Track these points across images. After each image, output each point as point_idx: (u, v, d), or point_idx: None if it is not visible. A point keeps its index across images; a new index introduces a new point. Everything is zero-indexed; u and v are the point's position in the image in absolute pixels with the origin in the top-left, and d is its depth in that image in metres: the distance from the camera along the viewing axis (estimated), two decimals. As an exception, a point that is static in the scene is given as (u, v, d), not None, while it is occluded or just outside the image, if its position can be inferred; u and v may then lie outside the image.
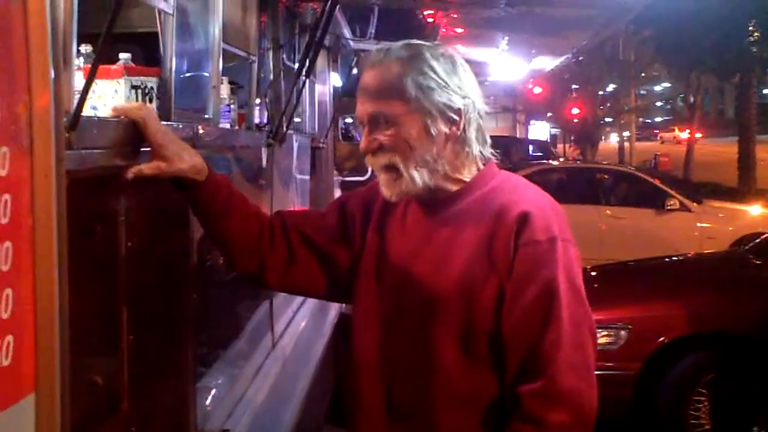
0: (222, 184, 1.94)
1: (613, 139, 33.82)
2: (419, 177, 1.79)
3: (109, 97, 2.03)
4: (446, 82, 1.78)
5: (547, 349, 1.70)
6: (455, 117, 1.79)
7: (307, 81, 4.83)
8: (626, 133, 37.42)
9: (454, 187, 1.86)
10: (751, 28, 20.70)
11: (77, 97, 1.49)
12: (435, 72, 1.78)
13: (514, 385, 1.72)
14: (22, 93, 1.11)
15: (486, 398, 1.78)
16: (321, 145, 5.92)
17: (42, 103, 1.14)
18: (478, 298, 1.75)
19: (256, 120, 3.66)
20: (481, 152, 1.86)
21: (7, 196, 1.08)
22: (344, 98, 6.46)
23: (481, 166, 1.89)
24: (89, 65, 1.97)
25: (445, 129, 1.78)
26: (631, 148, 36.20)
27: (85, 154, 1.49)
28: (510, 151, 22.39)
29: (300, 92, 3.92)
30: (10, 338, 1.10)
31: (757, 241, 6.95)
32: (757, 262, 6.36)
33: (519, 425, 1.70)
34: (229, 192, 1.95)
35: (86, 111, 1.97)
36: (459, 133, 1.80)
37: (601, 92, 35.96)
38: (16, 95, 1.10)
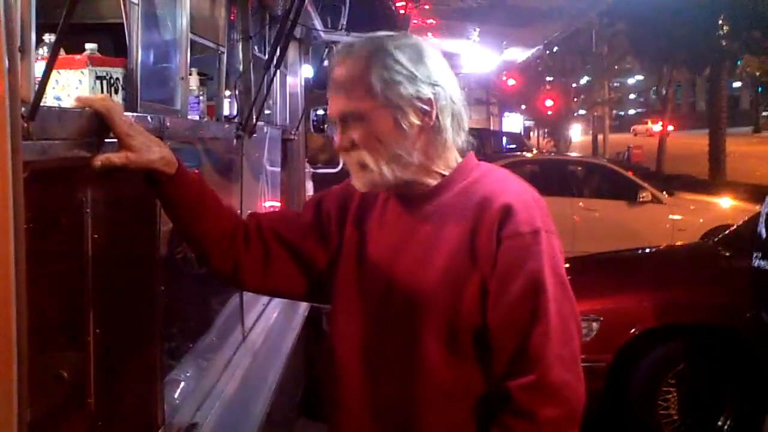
0: (193, 179, 1.88)
1: (579, 134, 33.90)
2: (389, 172, 1.77)
3: (73, 87, 2.00)
4: (413, 73, 1.74)
5: (537, 343, 1.67)
6: (426, 107, 1.75)
7: (278, 73, 4.80)
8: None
9: (432, 181, 1.83)
10: (720, 21, 20.91)
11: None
12: (400, 64, 1.74)
13: (502, 380, 1.69)
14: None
15: (471, 394, 1.76)
16: (292, 137, 5.89)
17: (-4, 92, 1.12)
18: (462, 294, 1.72)
19: (226, 112, 3.63)
20: (456, 140, 1.83)
21: (-41, 188, 1.06)
22: (315, 90, 6.43)
23: (459, 158, 1.86)
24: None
25: (416, 121, 1.75)
26: (605, 140, 36.41)
27: (47, 144, 1.46)
28: (483, 143, 22.37)
29: (270, 84, 3.89)
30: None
31: (726, 233, 7.01)
32: (726, 253, 6.42)
33: (509, 420, 1.67)
34: (201, 188, 1.90)
35: (50, 102, 1.97)
36: (432, 122, 1.77)
37: (574, 84, 36.16)
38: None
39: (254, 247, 1.95)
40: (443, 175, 1.84)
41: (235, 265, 1.95)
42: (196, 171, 1.96)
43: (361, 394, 1.83)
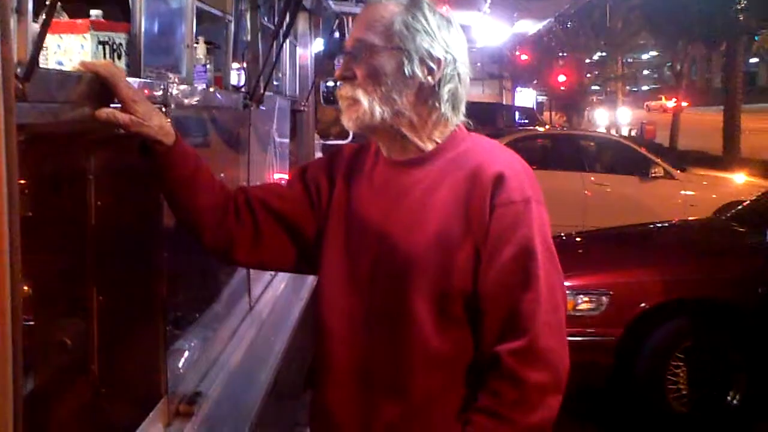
0: (189, 152, 1.89)
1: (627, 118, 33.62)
2: (379, 112, 1.79)
3: (75, 52, 1.98)
4: (434, 32, 1.80)
5: (527, 309, 1.70)
6: (432, 65, 1.79)
7: (288, 43, 4.77)
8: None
9: (427, 146, 1.85)
10: (738, -4, 20.66)
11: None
12: (427, 20, 1.80)
13: (491, 345, 1.72)
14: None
15: (461, 361, 1.78)
16: (302, 108, 5.87)
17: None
18: (453, 259, 1.74)
19: (234, 81, 3.61)
20: (450, 118, 1.85)
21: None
22: (326, 61, 6.39)
23: (452, 130, 1.88)
24: (56, 19, 1.94)
25: (419, 73, 1.78)
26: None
27: (44, 107, 1.44)
28: (496, 118, 22.30)
29: (278, 53, 3.85)
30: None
31: (739, 208, 6.97)
32: (739, 229, 6.38)
33: (498, 384, 1.70)
34: (196, 162, 1.90)
35: (52, 66, 1.95)
36: (433, 83, 1.80)
37: (588, 60, 35.90)
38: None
39: (244, 221, 1.96)
40: (436, 143, 1.86)
41: (227, 239, 1.95)
42: (193, 147, 1.93)
43: (349, 358, 1.84)
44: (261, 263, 2.15)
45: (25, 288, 1.90)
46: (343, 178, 1.95)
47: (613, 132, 29.30)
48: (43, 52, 1.63)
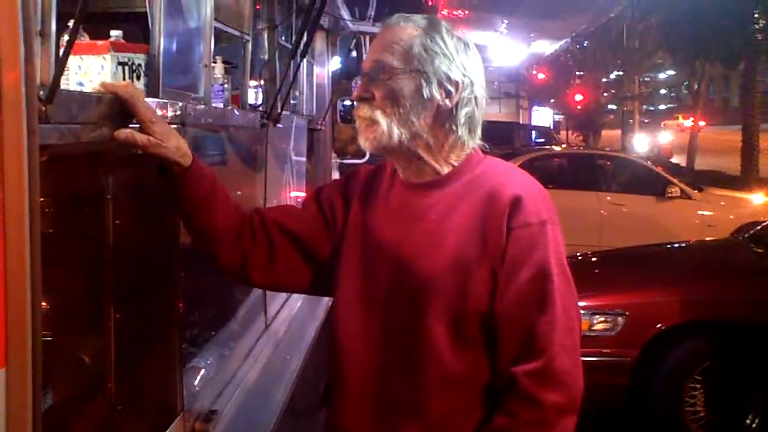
0: (206, 173, 1.91)
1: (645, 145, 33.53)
2: (397, 134, 1.80)
3: (95, 73, 2.01)
4: (452, 55, 1.81)
5: (543, 330, 1.71)
6: (450, 88, 1.81)
7: (305, 63, 4.79)
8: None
9: (443, 169, 1.86)
10: (756, 15, 20.60)
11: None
12: (445, 43, 1.82)
13: (507, 366, 1.73)
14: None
15: (477, 381, 1.79)
16: (319, 127, 5.89)
17: (12, 76, 1.12)
18: (470, 281, 1.75)
19: (251, 101, 3.63)
20: (466, 141, 1.86)
21: (-28, 171, 1.06)
22: (343, 80, 6.43)
23: (469, 152, 1.90)
24: (78, 41, 1.96)
25: (437, 95, 1.80)
26: (635, 136, 36.06)
27: (65, 128, 1.46)
28: (512, 137, 22.29)
29: (296, 72, 3.88)
30: (-23, 313, 1.09)
31: (758, 228, 6.93)
32: (758, 250, 6.34)
33: (514, 405, 1.70)
34: (213, 183, 1.92)
35: (72, 87, 1.98)
36: (450, 106, 1.81)
37: (604, 79, 35.86)
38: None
39: (260, 242, 1.97)
40: (452, 166, 1.87)
41: (242, 260, 1.97)
42: (210, 167, 1.95)
43: (365, 378, 1.85)
44: (276, 285, 2.17)
45: (44, 304, 1.92)
46: (358, 200, 1.96)
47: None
48: (64, 73, 1.65)
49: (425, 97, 1.80)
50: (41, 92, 1.31)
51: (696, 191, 11.91)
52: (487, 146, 1.93)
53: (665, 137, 34.07)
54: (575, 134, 37.27)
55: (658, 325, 5.20)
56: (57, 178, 1.84)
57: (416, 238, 1.83)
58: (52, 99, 1.33)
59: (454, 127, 1.83)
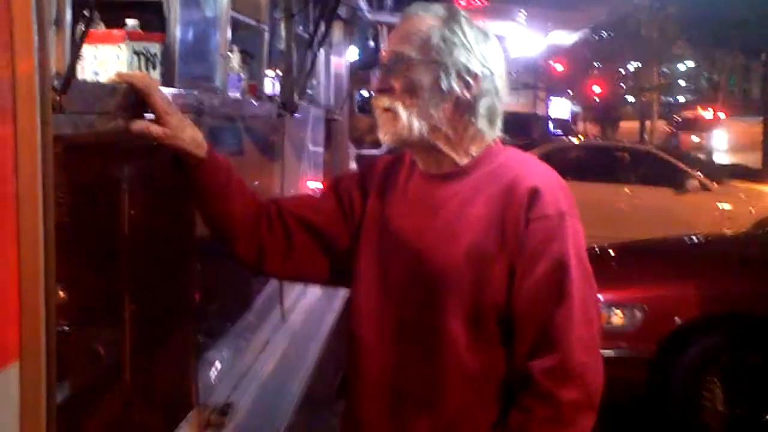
0: (222, 164, 1.89)
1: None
2: (417, 127, 1.78)
3: (110, 62, 1.99)
4: (472, 46, 1.78)
5: (560, 325, 1.69)
6: (469, 80, 1.78)
7: (323, 52, 4.77)
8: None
9: (463, 160, 1.84)
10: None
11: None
12: (464, 33, 1.79)
13: (524, 361, 1.71)
14: (3, 55, 1.07)
15: (494, 375, 1.77)
16: (337, 117, 5.88)
17: (25, 65, 1.10)
18: (488, 273, 1.73)
19: (268, 91, 3.61)
20: (486, 133, 1.83)
21: (-14, 160, 1.04)
22: (361, 71, 6.40)
23: (488, 144, 1.87)
24: (93, 30, 1.95)
25: (456, 87, 1.77)
26: (653, 127, 35.86)
27: (79, 118, 1.45)
28: (530, 128, 22.18)
29: (313, 62, 3.86)
30: (-10, 306, 1.07)
31: (778, 222, 6.86)
32: (778, 243, 6.28)
33: (530, 401, 1.68)
34: (229, 174, 1.90)
35: (88, 76, 1.96)
36: (469, 98, 1.78)
37: (622, 70, 35.65)
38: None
39: (276, 233, 1.94)
40: (471, 156, 1.84)
41: (258, 250, 1.94)
42: (225, 157, 1.93)
43: (381, 371, 1.83)
44: (293, 275, 2.15)
45: (61, 294, 1.91)
46: (376, 191, 1.94)
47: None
48: (79, 62, 1.63)
49: (444, 88, 1.77)
50: (56, 82, 1.29)
51: (715, 183, 11.81)
52: (507, 137, 1.91)
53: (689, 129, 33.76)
54: (592, 125, 37.09)
55: (677, 320, 5.15)
56: (72, 167, 1.84)
57: (434, 230, 1.81)
58: (67, 89, 1.32)
59: (473, 119, 1.81)
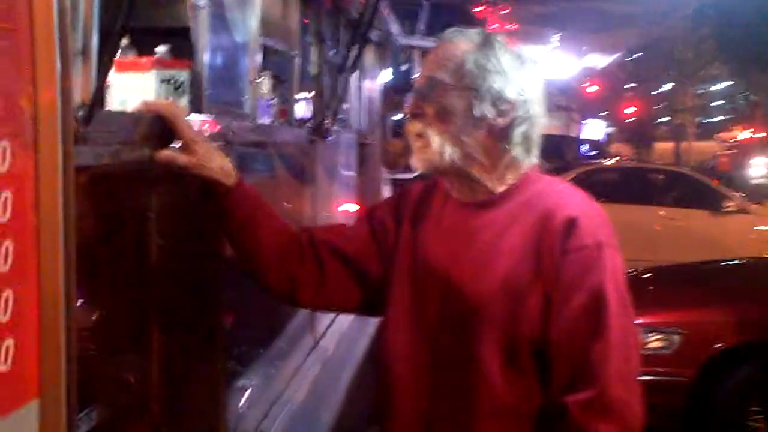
0: (250, 193, 1.88)
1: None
2: (449, 152, 1.75)
3: (138, 90, 1.99)
4: (507, 73, 1.75)
5: (597, 358, 1.64)
6: (504, 108, 1.74)
7: (355, 77, 4.77)
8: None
9: (499, 188, 1.80)
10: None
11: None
12: (498, 60, 1.76)
13: (560, 395, 1.67)
14: (25, 86, 1.06)
15: (529, 409, 1.73)
16: (369, 141, 5.87)
17: (47, 96, 1.08)
18: (523, 304, 1.69)
19: (300, 116, 3.61)
20: (522, 160, 1.80)
21: (7, 193, 1.03)
22: (393, 95, 6.39)
23: (525, 171, 1.83)
24: (120, 58, 1.95)
25: (489, 114, 1.74)
26: (688, 147, 35.50)
27: (104, 149, 1.43)
28: (563, 150, 22.05)
29: (344, 87, 3.85)
30: (10, 342, 1.05)
31: (820, 245, 6.71)
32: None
33: None
34: (258, 202, 1.89)
35: (115, 104, 1.96)
36: (503, 125, 1.75)
37: (657, 91, 35.43)
38: (19, 88, 1.05)
39: (308, 262, 1.92)
40: (507, 184, 1.81)
41: (290, 280, 1.92)
42: (254, 185, 1.91)
43: (413, 404, 1.80)
44: (325, 305, 2.13)
45: (93, 319, 1.90)
46: (410, 219, 1.91)
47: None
48: (106, 91, 1.63)
49: (476, 115, 1.74)
50: (80, 113, 1.28)
51: (753, 205, 11.62)
52: (545, 163, 1.87)
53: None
54: (626, 146, 36.81)
55: (717, 345, 5.03)
56: (96, 197, 1.83)
57: (468, 260, 1.77)
58: (90, 120, 1.30)
59: (508, 146, 1.77)
